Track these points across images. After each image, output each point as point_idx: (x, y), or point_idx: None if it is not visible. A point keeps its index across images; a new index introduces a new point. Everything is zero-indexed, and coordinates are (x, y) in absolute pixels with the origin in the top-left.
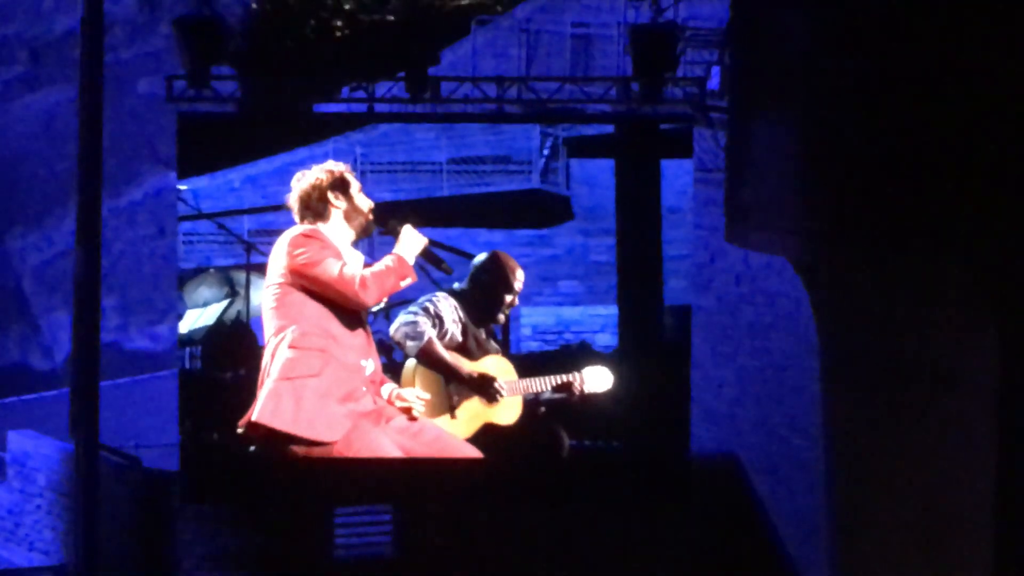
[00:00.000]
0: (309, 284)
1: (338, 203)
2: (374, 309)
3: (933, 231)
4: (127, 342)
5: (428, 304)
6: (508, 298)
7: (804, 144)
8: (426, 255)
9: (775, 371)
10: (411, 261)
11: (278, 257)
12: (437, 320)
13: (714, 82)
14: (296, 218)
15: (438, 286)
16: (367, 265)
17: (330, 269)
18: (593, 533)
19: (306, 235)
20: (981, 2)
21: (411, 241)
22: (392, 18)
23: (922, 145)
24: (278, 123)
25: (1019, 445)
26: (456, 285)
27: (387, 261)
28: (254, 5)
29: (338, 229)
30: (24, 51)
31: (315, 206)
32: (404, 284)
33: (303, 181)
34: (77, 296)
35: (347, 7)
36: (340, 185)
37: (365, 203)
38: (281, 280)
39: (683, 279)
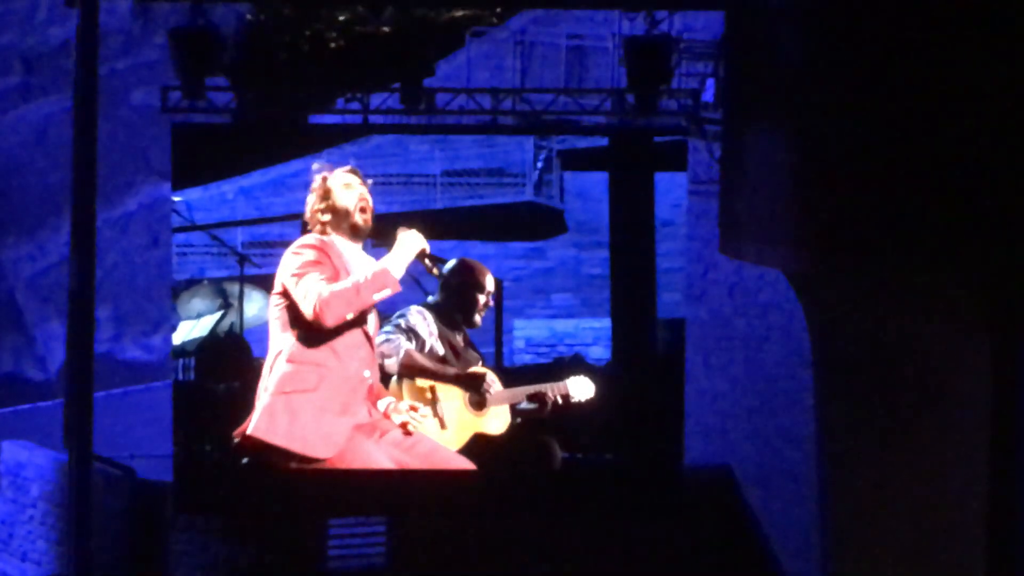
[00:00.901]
0: (291, 298)
1: (324, 218)
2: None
3: (926, 243)
4: (121, 352)
5: (400, 321)
6: (481, 299)
7: (798, 156)
8: (423, 259)
9: (768, 382)
10: (399, 271)
11: (280, 267)
12: (411, 334)
13: (708, 94)
14: None
15: (428, 295)
16: None
17: (300, 286)
18: (587, 545)
19: (305, 245)
20: (975, 13)
21: (405, 248)
22: (387, 29)
23: (915, 157)
24: (273, 134)
25: (1011, 456)
26: (430, 298)
27: (359, 277)
28: (249, 16)
29: (338, 239)
30: (18, 61)
31: (313, 227)
32: (380, 297)
33: (305, 207)
34: (71, 306)
35: (342, 18)
36: (321, 198)
37: (349, 201)
38: (280, 290)
39: (677, 292)
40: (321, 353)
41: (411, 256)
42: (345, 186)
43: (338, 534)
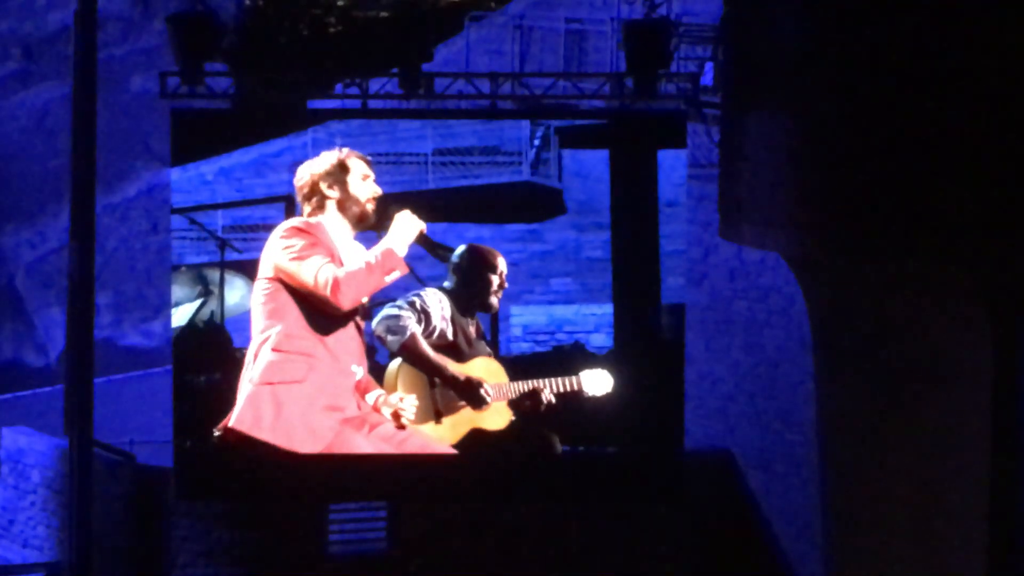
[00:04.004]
0: (290, 282)
1: (331, 193)
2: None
3: (927, 227)
4: (121, 338)
5: (414, 299)
6: (495, 280)
7: (797, 140)
8: (422, 241)
9: (769, 366)
10: (402, 252)
11: (268, 251)
12: (423, 316)
13: (707, 77)
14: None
15: (422, 283)
16: None
17: (307, 269)
18: (588, 529)
19: (296, 228)
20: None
21: (403, 229)
22: (386, 14)
23: (915, 141)
24: (272, 119)
25: (1013, 440)
26: (446, 284)
27: (369, 256)
28: (247, 1)
29: (335, 221)
30: (18, 48)
31: (310, 197)
32: (390, 279)
33: (299, 170)
34: (71, 293)
35: (340, 3)
36: (334, 173)
37: (365, 191)
38: (270, 275)
39: (681, 276)
40: (310, 343)
41: (411, 237)
42: (364, 177)
43: (339, 518)
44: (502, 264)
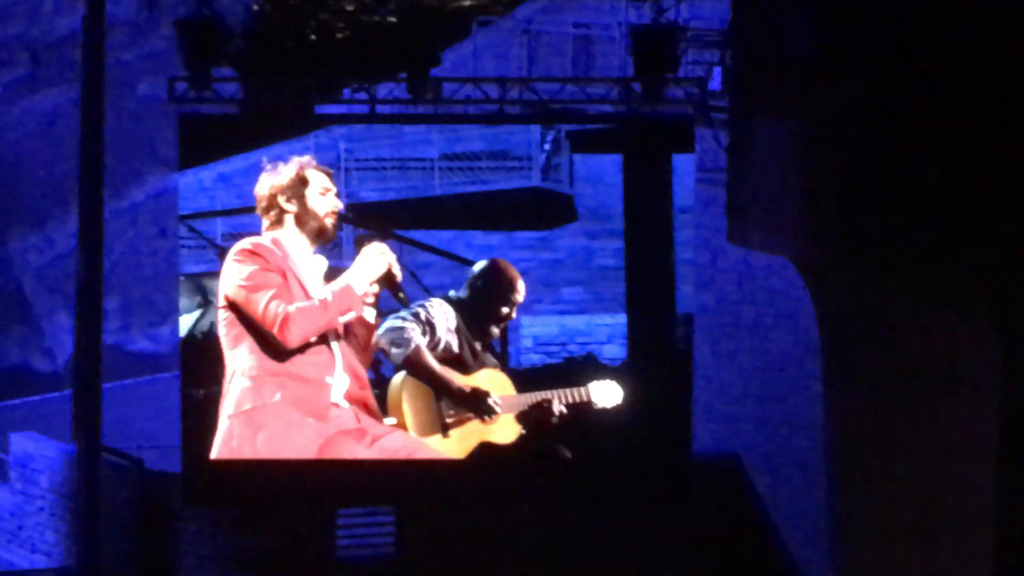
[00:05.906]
0: (242, 311)
1: (289, 206)
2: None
3: (934, 231)
4: (129, 343)
5: (419, 309)
6: (504, 310)
7: (805, 144)
8: (386, 281)
9: (776, 371)
10: (362, 289)
11: (222, 276)
12: (428, 327)
13: (716, 82)
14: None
15: (429, 293)
16: (334, 270)
17: (257, 301)
18: (596, 534)
19: (247, 252)
20: (981, 5)
21: (368, 265)
22: (393, 19)
23: (923, 145)
24: (279, 125)
25: (1020, 446)
26: (452, 293)
27: (326, 294)
28: (255, 6)
29: (293, 236)
30: (25, 53)
31: (268, 211)
32: (344, 319)
33: (258, 183)
34: (79, 297)
35: (348, 8)
36: (293, 186)
37: (324, 205)
38: (225, 303)
39: (691, 284)
40: (277, 363)
41: (376, 275)
42: (324, 190)
43: (347, 523)
44: (519, 295)
